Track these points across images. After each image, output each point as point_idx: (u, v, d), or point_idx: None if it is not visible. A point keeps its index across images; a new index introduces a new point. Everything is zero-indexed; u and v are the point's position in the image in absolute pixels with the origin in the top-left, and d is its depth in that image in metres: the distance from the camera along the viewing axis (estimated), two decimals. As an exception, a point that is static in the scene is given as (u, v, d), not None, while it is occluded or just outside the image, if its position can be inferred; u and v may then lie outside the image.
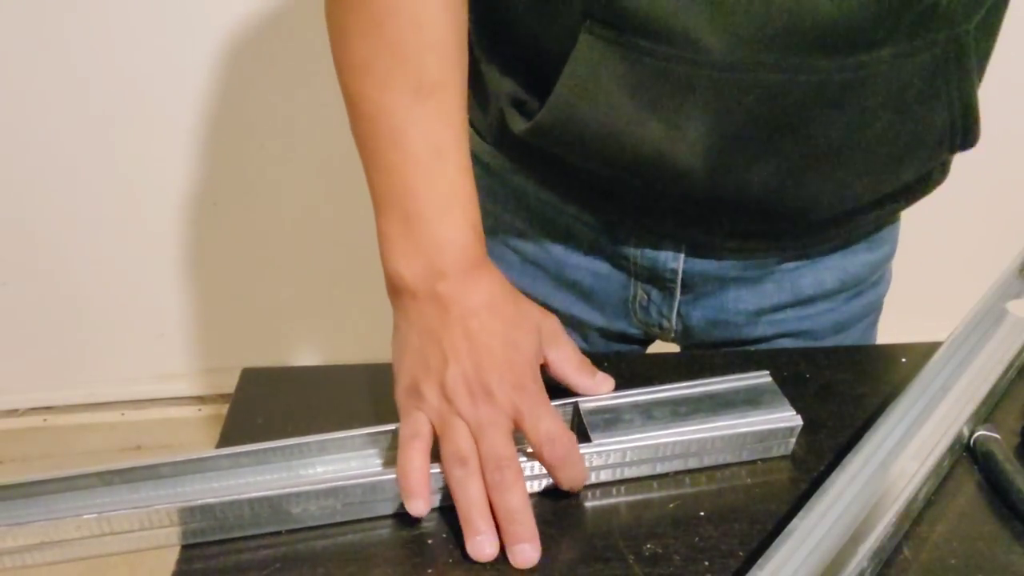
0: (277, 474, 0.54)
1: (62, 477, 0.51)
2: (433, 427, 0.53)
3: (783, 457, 0.56)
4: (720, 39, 0.52)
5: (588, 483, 0.55)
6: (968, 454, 0.56)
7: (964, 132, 0.60)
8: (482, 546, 0.49)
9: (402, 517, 0.53)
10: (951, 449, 0.54)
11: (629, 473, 0.55)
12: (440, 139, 0.55)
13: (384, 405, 0.59)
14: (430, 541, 0.51)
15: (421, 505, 0.50)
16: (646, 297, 0.72)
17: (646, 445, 0.54)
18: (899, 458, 0.52)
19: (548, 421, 0.51)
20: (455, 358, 0.53)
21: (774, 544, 0.47)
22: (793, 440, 0.56)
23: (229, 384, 0.64)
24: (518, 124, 0.63)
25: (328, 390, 0.64)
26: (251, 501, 0.50)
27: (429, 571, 0.49)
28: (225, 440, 0.59)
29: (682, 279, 0.69)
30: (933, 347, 0.61)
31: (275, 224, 1.55)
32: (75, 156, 1.45)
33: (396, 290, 0.57)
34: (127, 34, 1.35)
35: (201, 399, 1.75)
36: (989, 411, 0.59)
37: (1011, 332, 0.62)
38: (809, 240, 0.68)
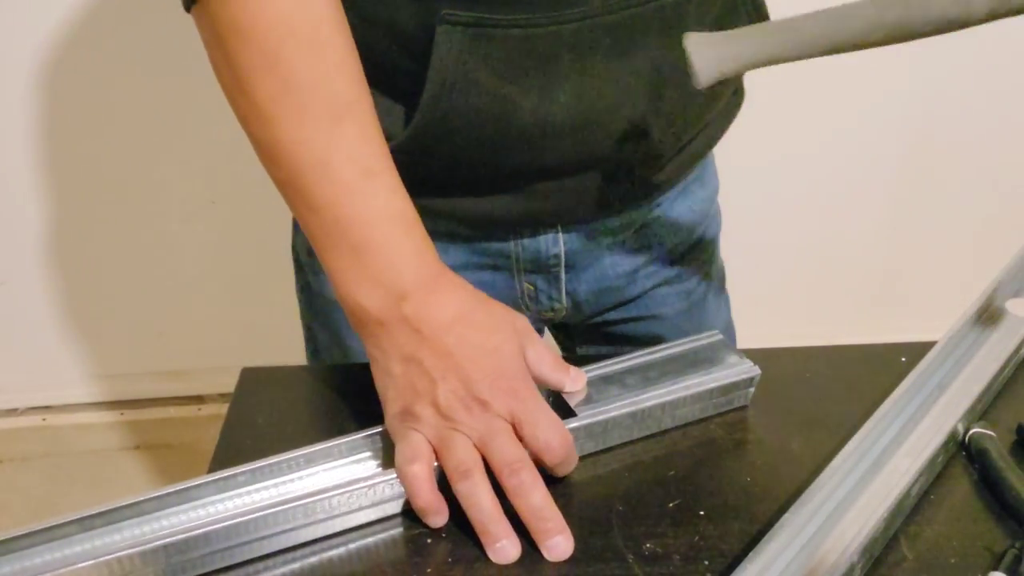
0: (268, 492, 0.54)
1: (37, 530, 0.49)
2: (432, 446, 0.52)
3: (784, 457, 0.57)
4: None
5: (579, 454, 0.56)
6: (964, 452, 0.56)
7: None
8: (506, 551, 0.49)
9: (402, 517, 0.53)
10: (945, 446, 0.54)
11: (611, 440, 0.57)
12: (366, 159, 0.54)
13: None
14: (430, 541, 0.51)
15: (440, 519, 0.51)
16: (532, 288, 0.74)
17: (631, 412, 0.56)
18: (893, 455, 0.52)
19: (545, 427, 0.51)
20: (441, 377, 0.52)
21: (764, 538, 0.47)
22: (752, 390, 0.60)
23: (229, 384, 0.65)
24: (391, 140, 0.62)
25: (328, 390, 0.64)
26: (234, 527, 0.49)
27: (429, 571, 0.49)
28: (225, 439, 0.59)
29: (565, 260, 0.72)
30: (932, 346, 0.61)
31: (274, 222, 1.55)
32: (74, 155, 1.45)
33: (361, 322, 0.55)
34: (125, 32, 1.35)
35: (201, 399, 1.75)
36: (985, 409, 0.59)
37: (1009, 331, 0.62)
38: (659, 179, 0.72)
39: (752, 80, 1.10)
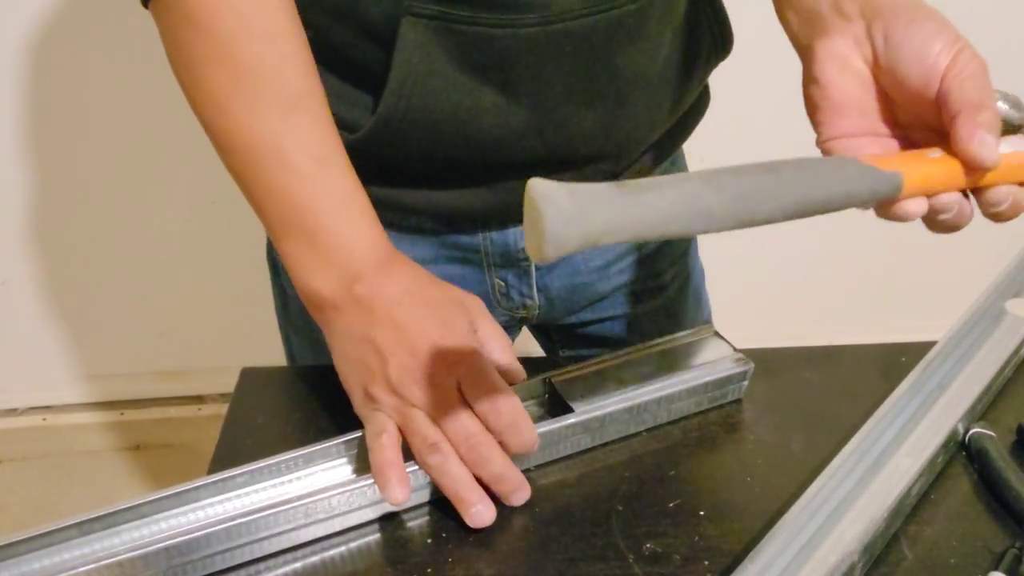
0: (268, 492, 0.54)
1: (35, 535, 0.49)
2: (397, 424, 0.53)
3: (784, 457, 0.57)
4: None
5: (575, 451, 0.57)
6: (964, 452, 0.56)
7: (723, 43, 0.72)
8: (481, 516, 0.51)
9: (402, 517, 0.53)
10: (945, 446, 0.54)
11: (608, 436, 0.57)
12: (320, 147, 0.56)
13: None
14: (430, 541, 0.51)
15: (399, 493, 0.51)
16: (504, 284, 0.74)
17: (627, 407, 0.57)
18: (893, 455, 0.52)
19: (490, 392, 0.52)
20: (391, 352, 0.53)
21: (764, 538, 0.47)
22: (745, 383, 0.60)
23: (229, 384, 0.65)
24: (349, 136, 0.62)
25: (328, 390, 0.64)
26: (231, 529, 0.49)
27: (429, 571, 0.49)
28: (225, 439, 0.59)
29: None
30: (932, 346, 0.61)
31: (274, 223, 1.55)
32: (74, 155, 1.45)
33: (317, 307, 0.56)
34: (125, 31, 1.35)
35: (201, 398, 1.75)
36: (985, 409, 0.59)
37: (1009, 331, 0.62)
38: (628, 176, 0.72)
39: (755, 79, 1.11)
